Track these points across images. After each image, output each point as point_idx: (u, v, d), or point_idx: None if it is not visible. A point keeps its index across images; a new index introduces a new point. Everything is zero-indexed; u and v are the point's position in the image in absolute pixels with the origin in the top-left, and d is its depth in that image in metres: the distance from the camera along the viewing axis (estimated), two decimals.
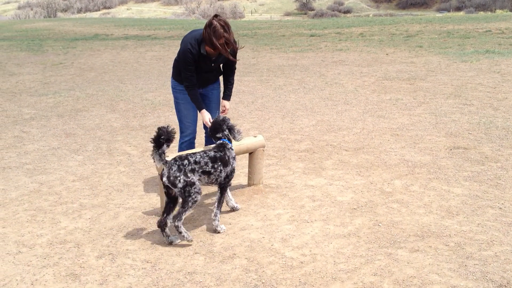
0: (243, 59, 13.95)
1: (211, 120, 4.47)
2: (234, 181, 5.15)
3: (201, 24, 31.51)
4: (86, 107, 8.76)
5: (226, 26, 4.27)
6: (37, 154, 6.25)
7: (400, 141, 6.19)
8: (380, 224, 4.06)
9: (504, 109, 7.41)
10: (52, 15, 75.38)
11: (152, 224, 4.22)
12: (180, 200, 3.86)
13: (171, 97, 9.26)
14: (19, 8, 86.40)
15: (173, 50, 16.36)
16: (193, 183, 3.80)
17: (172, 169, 3.78)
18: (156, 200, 4.70)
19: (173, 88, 4.85)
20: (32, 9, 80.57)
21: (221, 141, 4.21)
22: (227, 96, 4.88)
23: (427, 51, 13.56)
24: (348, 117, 7.42)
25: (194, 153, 3.99)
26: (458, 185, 4.79)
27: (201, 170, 3.91)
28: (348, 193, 4.72)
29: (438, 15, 42.58)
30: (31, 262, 3.66)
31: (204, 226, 4.16)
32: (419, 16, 38.43)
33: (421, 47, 14.32)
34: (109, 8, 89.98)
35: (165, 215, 3.85)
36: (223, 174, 4.07)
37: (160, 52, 16.00)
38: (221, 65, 4.79)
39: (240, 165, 5.63)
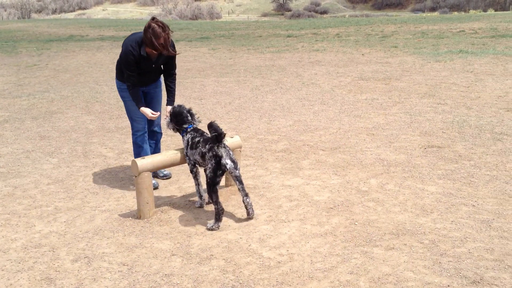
0: (220, 59, 13.95)
1: (154, 113, 4.82)
2: None
3: (177, 24, 31.38)
4: (61, 109, 8.66)
5: (163, 27, 4.53)
6: (10, 157, 6.16)
7: (375, 141, 6.26)
8: (356, 223, 4.09)
9: (477, 108, 7.54)
10: (26, 16, 74.32)
11: (128, 226, 4.20)
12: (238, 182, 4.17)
13: None
14: None
15: None
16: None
17: (230, 153, 4.15)
18: (132, 203, 4.67)
19: (118, 88, 5.07)
20: (5, 10, 79.30)
21: (192, 127, 4.53)
22: (170, 102, 5.03)
23: (402, 51, 13.72)
24: (325, 117, 7.47)
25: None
26: (432, 183, 4.86)
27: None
28: (325, 193, 4.75)
29: (413, 15, 43.10)
30: (5, 267, 3.61)
31: (181, 228, 4.14)
32: (394, 16, 38.87)
33: (396, 47, 14.48)
34: (84, 9, 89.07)
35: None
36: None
37: None
38: (161, 66, 5.01)
39: None
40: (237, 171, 4.17)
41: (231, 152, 4.17)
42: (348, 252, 3.65)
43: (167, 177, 5.38)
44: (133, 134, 5.14)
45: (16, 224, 4.30)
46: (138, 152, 5.12)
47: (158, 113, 4.93)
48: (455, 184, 4.80)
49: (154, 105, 5.12)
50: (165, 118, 4.83)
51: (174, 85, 5.10)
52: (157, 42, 4.46)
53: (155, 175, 5.36)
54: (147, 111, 4.81)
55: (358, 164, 5.48)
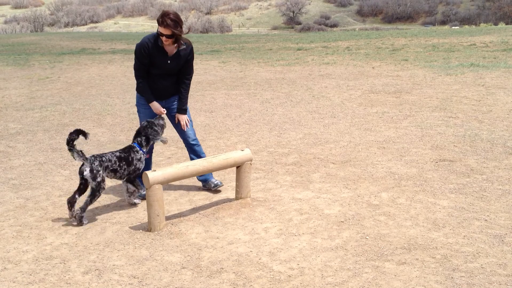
0: (230, 72, 14.01)
1: (164, 111, 4.95)
2: (221, 195, 5.16)
3: (188, 37, 31.58)
4: (73, 121, 8.73)
5: (174, 13, 4.69)
6: (23, 169, 6.21)
7: (386, 154, 6.24)
8: (367, 237, 4.07)
9: (489, 121, 7.50)
10: (39, 29, 75.18)
11: (139, 238, 4.20)
12: (89, 192, 4.54)
13: None
14: (5, 22, 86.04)
15: None
16: (104, 179, 4.53)
17: (94, 164, 4.46)
18: (143, 215, 4.68)
19: (136, 101, 5.13)
20: (18, 24, 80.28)
21: (130, 144, 4.85)
22: (180, 110, 5.08)
23: (413, 65, 13.71)
24: (335, 130, 7.46)
25: (105, 153, 4.67)
26: (444, 197, 4.83)
27: (110, 167, 4.60)
28: (336, 206, 4.73)
29: (424, 29, 43.10)
30: (17, 279, 3.62)
31: (191, 241, 4.14)
32: (404, 30, 38.89)
33: (407, 61, 14.47)
34: (96, 22, 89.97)
35: (76, 195, 4.56)
36: (126, 173, 4.73)
37: None
38: (177, 72, 5.01)
39: (228, 178, 5.64)
40: (93, 182, 4.48)
41: (96, 163, 4.49)
42: (359, 266, 3.62)
43: (218, 186, 5.29)
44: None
45: (28, 236, 4.33)
46: (147, 163, 5.16)
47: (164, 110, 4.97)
48: (467, 199, 4.77)
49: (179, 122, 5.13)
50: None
51: (186, 92, 5.09)
52: (167, 18, 4.56)
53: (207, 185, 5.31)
54: (156, 105, 4.89)
55: (369, 178, 5.46)
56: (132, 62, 5.04)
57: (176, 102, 5.12)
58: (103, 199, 5.14)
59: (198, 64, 16.10)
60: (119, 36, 37.00)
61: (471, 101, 8.94)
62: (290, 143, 6.91)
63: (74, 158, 4.44)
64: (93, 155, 4.56)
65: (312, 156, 6.30)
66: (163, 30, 4.63)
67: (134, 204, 4.98)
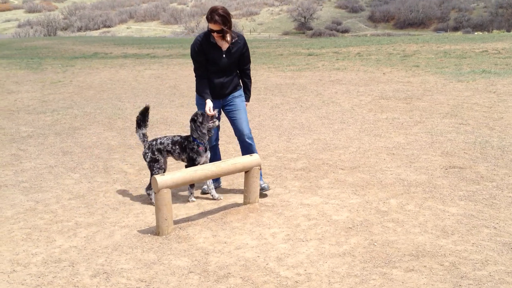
0: None
1: (211, 110, 4.89)
2: (229, 200, 5.17)
3: None
4: (84, 125, 8.79)
5: (223, 8, 4.74)
6: (33, 172, 6.26)
7: (396, 160, 6.21)
8: (375, 244, 4.06)
9: (500, 128, 7.45)
10: (52, 34, 75.83)
11: (147, 242, 4.22)
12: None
13: (168, 115, 9.31)
14: (19, 26, 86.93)
15: (171, 69, 16.45)
16: (154, 159, 4.99)
17: (144, 147, 5.05)
18: (151, 219, 4.70)
19: (196, 101, 5.23)
20: (32, 28, 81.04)
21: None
22: (247, 98, 5.28)
23: (424, 71, 13.66)
24: (345, 136, 7.45)
25: (165, 136, 5.13)
26: (454, 204, 4.80)
27: (165, 149, 5.03)
28: (344, 212, 4.72)
29: (435, 35, 42.93)
30: (26, 281, 3.65)
31: (199, 245, 4.15)
32: (416, 36, 38.77)
33: (418, 67, 14.43)
34: (109, 27, 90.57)
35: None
36: (182, 157, 5.06)
37: (159, 71, 16.08)
38: (233, 65, 5.03)
39: (236, 183, 5.65)
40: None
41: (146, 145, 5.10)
42: (366, 273, 3.61)
43: (265, 190, 5.30)
44: None
45: (37, 239, 4.36)
46: (215, 152, 5.30)
47: (215, 112, 4.93)
48: (477, 206, 4.74)
49: (241, 118, 5.14)
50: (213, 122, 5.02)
51: (249, 79, 5.27)
52: (216, 14, 4.62)
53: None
54: (209, 104, 4.89)
55: (377, 184, 5.44)
56: (143, 67, 5.11)
57: (234, 99, 5.14)
58: (112, 203, 5.17)
59: None
60: (131, 40, 37.24)
61: (482, 108, 8.89)
62: (299, 149, 6.91)
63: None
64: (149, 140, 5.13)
65: (321, 162, 6.30)
66: (212, 26, 4.68)
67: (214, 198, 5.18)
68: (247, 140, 5.17)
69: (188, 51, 24.68)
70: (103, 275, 3.72)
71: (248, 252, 4.00)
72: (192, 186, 5.11)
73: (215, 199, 5.17)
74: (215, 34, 4.74)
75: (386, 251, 3.92)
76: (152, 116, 9.25)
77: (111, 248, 4.15)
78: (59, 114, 9.77)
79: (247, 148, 5.20)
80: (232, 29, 4.84)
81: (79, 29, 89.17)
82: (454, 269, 3.61)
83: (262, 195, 5.21)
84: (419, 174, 5.68)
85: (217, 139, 5.41)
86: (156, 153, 5.01)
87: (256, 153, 5.13)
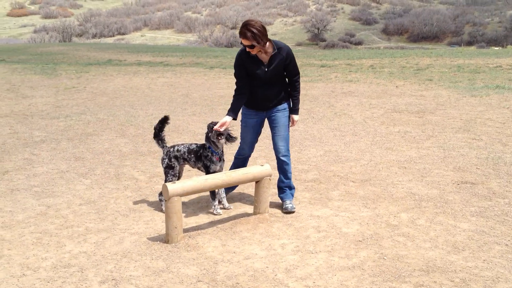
0: None
1: (225, 125, 4.80)
2: (239, 210, 5.16)
3: (212, 51, 31.86)
4: (96, 131, 8.85)
5: (256, 23, 4.55)
6: (45, 177, 6.30)
7: (407, 174, 6.18)
8: (385, 258, 4.03)
9: None
10: (67, 40, 76.63)
11: (156, 250, 4.23)
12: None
13: (180, 123, 9.34)
14: (35, 31, 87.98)
15: (184, 77, 16.54)
16: (172, 167, 5.07)
17: (163, 153, 5.14)
18: (161, 226, 4.71)
19: (242, 112, 5.13)
20: (47, 33, 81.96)
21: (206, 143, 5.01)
22: (293, 111, 5.10)
23: (437, 85, 13.61)
24: (356, 148, 7.43)
25: (182, 144, 5.18)
26: (465, 220, 4.76)
27: (182, 157, 5.07)
28: (354, 225, 4.70)
29: (449, 49, 42.80)
30: (35, 285, 3.67)
31: (208, 254, 4.15)
32: (430, 49, 38.68)
33: (431, 81, 14.38)
34: (123, 34, 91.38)
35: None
36: (197, 165, 5.08)
37: (172, 79, 16.18)
38: (278, 78, 4.88)
39: (247, 193, 5.65)
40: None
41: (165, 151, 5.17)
42: (376, 287, 3.59)
43: (287, 210, 5.04)
44: (236, 152, 5.37)
45: (47, 243, 4.38)
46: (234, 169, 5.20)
47: (221, 130, 4.82)
48: (488, 222, 4.69)
49: (279, 132, 5.04)
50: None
51: (297, 92, 5.05)
52: (245, 28, 4.51)
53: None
54: (224, 120, 4.76)
55: (388, 198, 5.41)
56: (157, 75, 5.15)
57: (276, 114, 5.01)
58: (123, 209, 5.19)
59: (222, 78, 16.22)
60: (145, 48, 37.49)
61: (495, 123, 8.83)
62: (310, 160, 6.90)
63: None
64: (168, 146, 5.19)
65: (332, 174, 6.28)
66: (243, 41, 4.59)
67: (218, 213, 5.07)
68: (281, 158, 5.06)
69: (201, 60, 24.69)
70: (112, 281, 3.72)
71: (257, 263, 3.99)
72: (214, 198, 5.04)
73: (225, 208, 5.17)
74: (247, 49, 4.63)
75: (396, 266, 3.89)
76: None
77: (121, 254, 4.16)
78: (72, 120, 9.85)
79: (281, 166, 5.12)
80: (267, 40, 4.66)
81: (94, 36, 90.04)
82: (465, 285, 3.57)
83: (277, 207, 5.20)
84: (430, 189, 5.65)
85: (250, 149, 5.32)
86: (172, 159, 5.06)
87: (290, 174, 5.15)
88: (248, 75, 4.83)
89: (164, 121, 5.11)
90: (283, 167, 5.12)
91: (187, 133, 8.57)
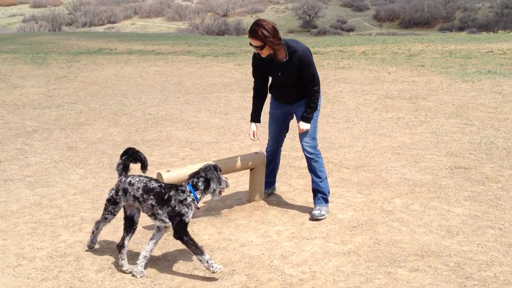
0: (245, 75, 14.03)
1: (255, 134, 4.72)
2: (234, 197, 5.17)
3: (204, 39, 31.70)
4: (89, 120, 8.81)
5: (266, 24, 4.22)
6: (39, 167, 6.27)
7: (401, 160, 6.21)
8: (380, 243, 4.06)
9: (505, 129, 7.44)
10: (57, 29, 75.91)
11: None
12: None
13: (173, 111, 9.31)
14: (24, 21, 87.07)
15: (176, 65, 16.45)
16: (116, 202, 3.78)
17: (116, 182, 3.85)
18: None
19: (269, 101, 4.91)
20: (37, 23, 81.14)
21: (183, 184, 3.71)
22: (304, 118, 4.58)
23: (429, 71, 13.63)
24: (350, 135, 7.44)
25: (139, 175, 3.90)
26: (459, 205, 4.80)
27: (132, 193, 3.71)
28: (349, 211, 4.72)
29: (441, 35, 42.82)
30: (31, 275, 3.66)
31: (204, 242, 4.16)
32: (421, 35, 38.65)
33: (423, 67, 14.39)
34: (113, 22, 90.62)
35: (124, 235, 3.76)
36: (159, 212, 3.64)
37: (163, 67, 16.09)
38: (295, 80, 4.54)
39: (241, 181, 5.65)
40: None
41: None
42: (371, 272, 3.61)
43: (314, 217, 4.60)
44: (266, 146, 5.05)
45: (43, 233, 4.37)
46: (267, 164, 5.02)
47: (256, 134, 4.74)
48: (482, 207, 4.73)
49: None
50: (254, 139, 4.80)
51: (310, 100, 4.52)
52: (253, 27, 4.22)
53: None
54: (253, 128, 4.74)
55: (382, 183, 5.44)
56: (148, 63, 5.09)
57: (300, 108, 4.64)
58: None
59: (214, 66, 16.16)
60: (136, 36, 37.24)
61: (487, 108, 8.87)
62: None
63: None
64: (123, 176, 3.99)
65: (326, 161, 6.29)
66: (251, 41, 4.25)
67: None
68: (306, 155, 4.66)
69: (193, 48, 24.51)
70: (108, 270, 3.73)
71: (253, 250, 4.00)
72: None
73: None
74: (253, 41, 4.25)
75: (391, 251, 3.92)
76: (157, 112, 9.27)
77: (116, 243, 4.16)
78: (64, 109, 9.79)
79: (309, 164, 4.69)
80: (273, 40, 4.24)
81: (84, 25, 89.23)
82: (459, 269, 3.61)
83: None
84: (424, 174, 5.68)
85: (280, 144, 5.06)
86: (119, 193, 3.81)
87: (322, 174, 4.66)
88: (265, 75, 4.65)
89: (127, 154, 4.15)
90: (311, 165, 4.67)
91: (180, 121, 8.55)
